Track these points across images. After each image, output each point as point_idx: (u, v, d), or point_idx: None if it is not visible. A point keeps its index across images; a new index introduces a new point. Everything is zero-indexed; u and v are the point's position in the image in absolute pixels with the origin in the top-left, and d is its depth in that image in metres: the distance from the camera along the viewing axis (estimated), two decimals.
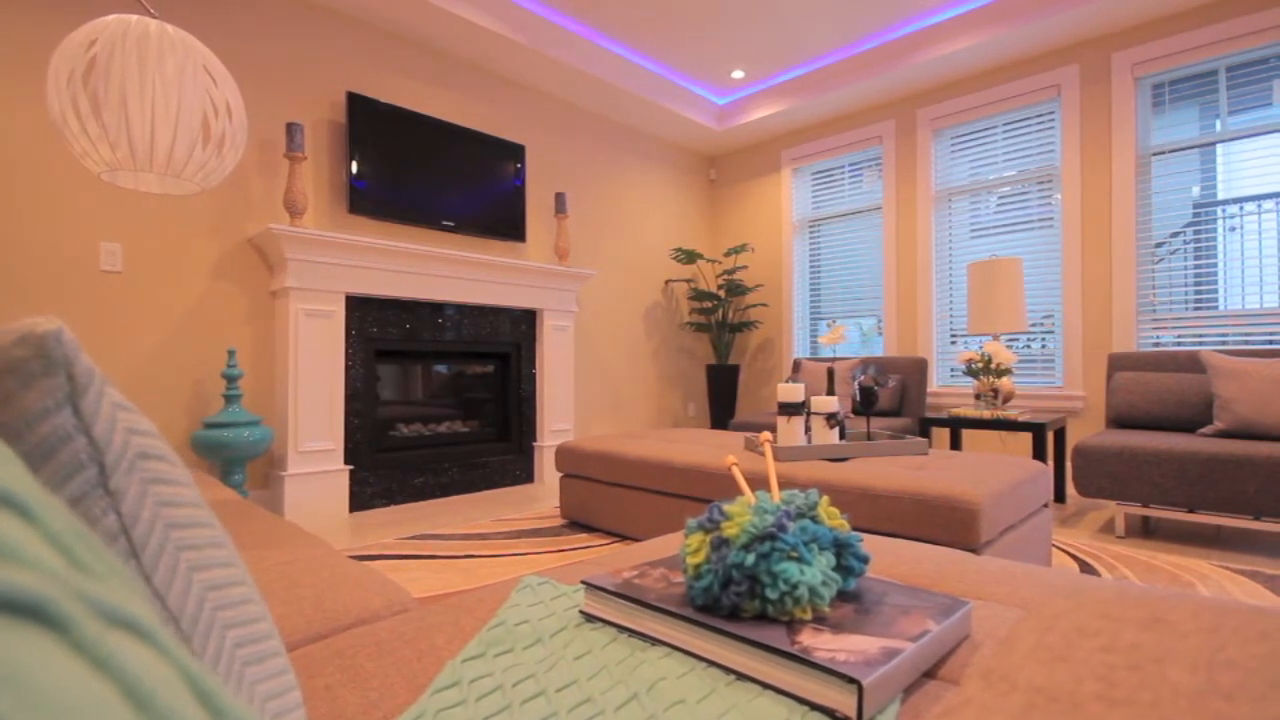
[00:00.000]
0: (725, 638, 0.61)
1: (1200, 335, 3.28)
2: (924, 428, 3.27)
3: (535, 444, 3.90)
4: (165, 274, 2.71)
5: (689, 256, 4.82)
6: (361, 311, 3.16)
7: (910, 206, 4.30)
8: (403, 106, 3.36)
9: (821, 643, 0.58)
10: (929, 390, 4.20)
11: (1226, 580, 2.00)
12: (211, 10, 2.83)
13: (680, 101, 4.56)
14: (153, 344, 2.67)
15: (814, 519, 0.72)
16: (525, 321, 3.87)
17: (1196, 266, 3.30)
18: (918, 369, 3.91)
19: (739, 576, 0.64)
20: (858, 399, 2.25)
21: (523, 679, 0.60)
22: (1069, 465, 3.63)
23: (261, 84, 2.97)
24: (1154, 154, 3.43)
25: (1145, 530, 2.64)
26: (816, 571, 0.65)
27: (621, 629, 0.70)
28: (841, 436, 2.13)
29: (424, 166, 3.41)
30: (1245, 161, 3.18)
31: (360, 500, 3.14)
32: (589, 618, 0.74)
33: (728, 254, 4.87)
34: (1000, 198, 3.96)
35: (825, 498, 0.76)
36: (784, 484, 1.96)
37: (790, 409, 2.11)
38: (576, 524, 2.82)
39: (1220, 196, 3.25)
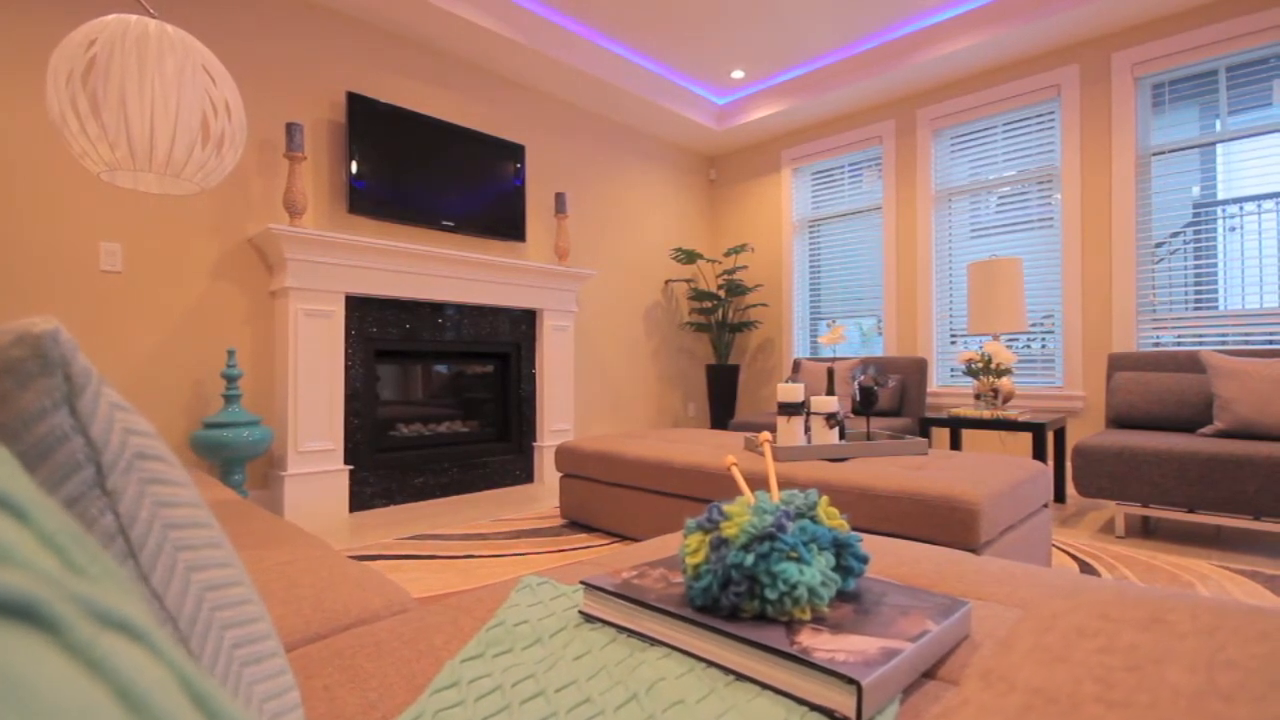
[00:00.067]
0: (724, 638, 0.61)
1: (1200, 335, 3.28)
2: (924, 428, 3.27)
3: (535, 444, 3.90)
4: (165, 274, 2.71)
5: (689, 256, 4.82)
6: (361, 311, 3.16)
7: (910, 206, 4.30)
8: (403, 106, 3.36)
9: (821, 643, 0.58)
10: (929, 390, 4.20)
11: (1226, 580, 2.00)
12: (211, 10, 2.83)
13: (680, 101, 4.56)
14: (152, 344, 2.67)
15: (813, 519, 0.72)
16: (525, 321, 3.87)
17: (1196, 266, 3.30)
18: (918, 369, 3.91)
19: (738, 577, 0.64)
20: (857, 399, 2.25)
21: (522, 679, 0.60)
22: (1069, 465, 3.63)
23: (261, 84, 2.97)
24: (1154, 154, 3.43)
25: (1145, 530, 2.64)
26: (816, 572, 0.65)
27: (621, 629, 0.70)
28: (841, 436, 2.13)
29: (424, 166, 3.41)
30: (1245, 161, 3.18)
31: (360, 500, 3.14)
32: (588, 618, 0.74)
33: (728, 254, 4.87)
34: (1000, 198, 3.96)
35: (825, 498, 0.76)
36: (784, 484, 1.96)
37: (790, 409, 2.11)
38: (576, 524, 2.82)
39: (1220, 196, 3.25)
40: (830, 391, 2.26)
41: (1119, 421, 3.01)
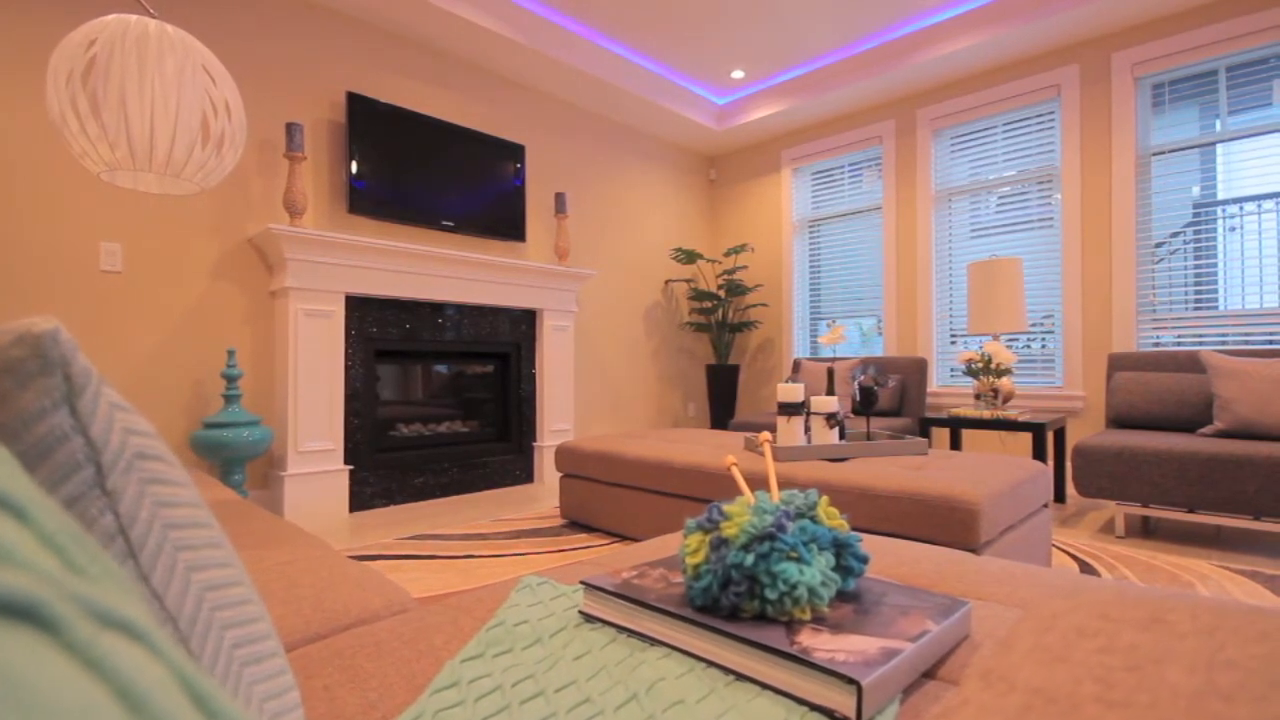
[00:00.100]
0: (724, 638, 0.61)
1: (1200, 335, 3.28)
2: (924, 428, 3.27)
3: (535, 444, 3.90)
4: (165, 274, 2.71)
5: (689, 256, 4.82)
6: (361, 311, 3.16)
7: (910, 206, 4.30)
8: (403, 106, 3.36)
9: (821, 643, 0.58)
10: (929, 390, 4.20)
11: (1226, 580, 2.00)
12: (211, 10, 2.83)
13: (680, 101, 4.56)
14: (152, 344, 2.67)
15: (813, 519, 0.72)
16: (525, 321, 3.87)
17: (1196, 266, 3.30)
18: (918, 369, 3.91)
19: (738, 577, 0.64)
20: (857, 399, 2.25)
21: (522, 679, 0.60)
22: (1069, 465, 3.63)
23: (261, 84, 2.97)
24: (1154, 154, 3.43)
25: (1145, 530, 2.64)
26: (816, 572, 0.65)
27: (621, 629, 0.70)
28: (841, 436, 2.13)
29: (424, 166, 3.41)
30: (1245, 161, 3.18)
31: (360, 500, 3.14)
32: (588, 618, 0.74)
33: (728, 254, 4.87)
34: (1000, 198, 3.96)
35: (825, 498, 0.76)
36: (784, 484, 1.96)
37: (790, 409, 2.11)
38: (576, 524, 2.82)
39: (1220, 196, 3.25)
40: (830, 391, 2.26)
41: (1119, 421, 3.01)
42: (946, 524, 1.62)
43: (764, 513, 0.68)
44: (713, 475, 2.17)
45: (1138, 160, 3.46)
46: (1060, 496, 3.15)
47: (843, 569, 0.71)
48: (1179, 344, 3.34)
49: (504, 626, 0.71)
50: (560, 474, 3.08)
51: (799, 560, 0.65)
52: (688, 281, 5.08)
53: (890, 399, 3.85)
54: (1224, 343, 3.21)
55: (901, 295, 4.34)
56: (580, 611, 0.75)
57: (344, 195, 3.22)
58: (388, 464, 3.26)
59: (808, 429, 2.22)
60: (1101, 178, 3.55)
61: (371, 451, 3.19)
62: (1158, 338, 3.41)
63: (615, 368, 4.63)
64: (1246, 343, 3.15)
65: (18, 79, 2.39)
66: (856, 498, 1.80)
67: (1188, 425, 2.82)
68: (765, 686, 0.57)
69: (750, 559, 0.64)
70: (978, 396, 3.17)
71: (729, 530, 0.67)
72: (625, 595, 0.70)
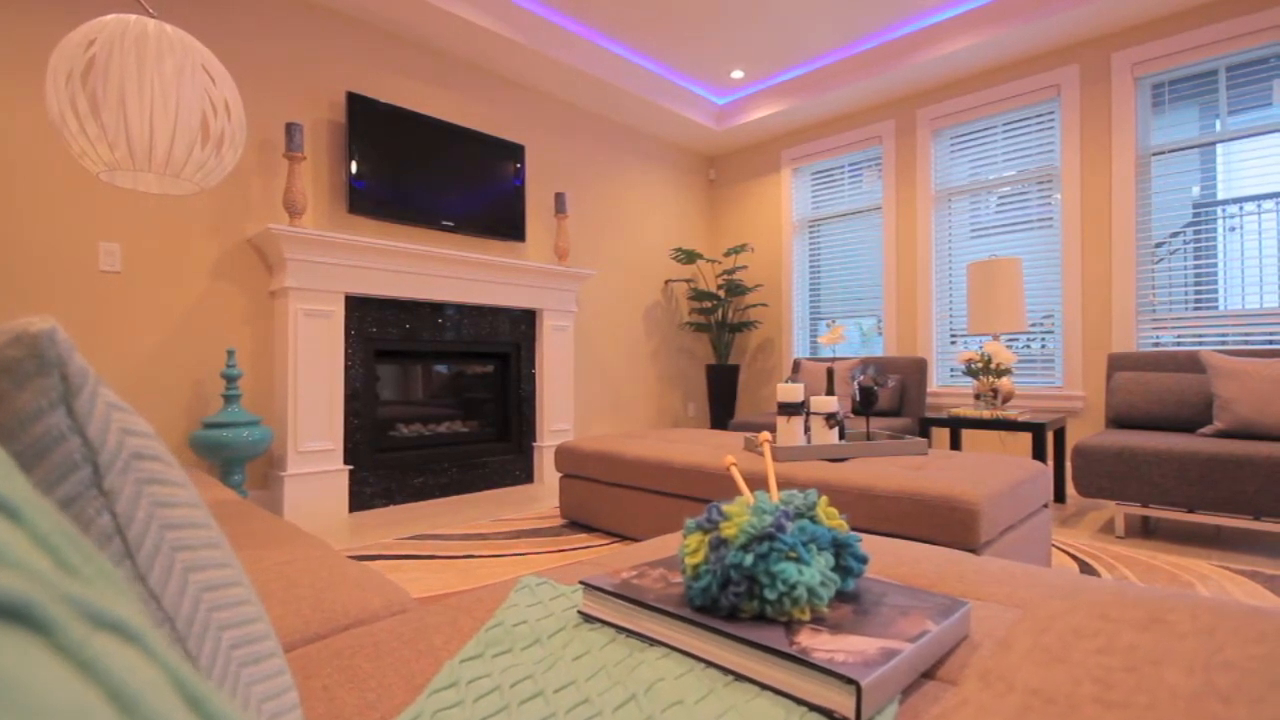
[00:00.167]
0: (723, 638, 0.61)
1: (1200, 335, 3.27)
2: (924, 428, 3.27)
3: (535, 444, 3.90)
4: (164, 274, 2.71)
5: (689, 256, 4.82)
6: (361, 311, 3.16)
7: (910, 206, 4.30)
8: (402, 106, 3.36)
9: (820, 643, 0.58)
10: (929, 390, 4.20)
11: (1226, 580, 2.00)
12: (211, 10, 2.83)
13: (680, 101, 4.55)
14: (152, 344, 2.67)
15: (813, 519, 0.72)
16: (525, 321, 3.87)
17: (1196, 266, 3.30)
18: (917, 369, 3.91)
19: (737, 577, 0.64)
20: (857, 399, 2.25)
21: (521, 679, 0.60)
22: (1069, 465, 3.63)
23: (261, 84, 2.97)
24: (1154, 154, 3.43)
25: (1145, 530, 2.64)
26: (815, 572, 0.65)
27: (620, 629, 0.70)
28: (841, 436, 2.13)
29: (424, 166, 3.41)
30: (1245, 161, 3.17)
31: (360, 500, 3.14)
32: (587, 618, 0.74)
33: (727, 254, 4.87)
34: (1000, 198, 3.96)
35: (824, 498, 0.76)
36: (783, 484, 1.96)
37: (790, 409, 2.11)
38: (576, 524, 2.82)
39: (1220, 196, 3.24)
40: (830, 391, 2.26)
41: (1119, 421, 3.01)
42: (946, 524, 1.62)
43: (763, 513, 0.68)
44: (712, 475, 2.17)
45: (1138, 160, 3.46)
46: (1060, 496, 3.15)
47: (842, 569, 0.71)
48: (1179, 344, 3.34)
49: (503, 627, 0.71)
50: (560, 474, 3.08)
51: (798, 560, 0.65)
52: (688, 281, 5.08)
53: (890, 399, 3.85)
54: (1224, 343, 3.21)
55: (901, 295, 4.34)
56: (579, 612, 0.75)
57: (344, 195, 3.22)
58: (387, 464, 3.26)
59: (807, 429, 2.21)
60: (1101, 178, 3.55)
61: (371, 451, 3.19)
62: (1158, 338, 3.41)
63: (615, 368, 4.63)
64: (1246, 343, 3.15)
65: (17, 79, 2.39)
66: (856, 498, 1.79)
67: (1188, 425, 2.82)
68: (764, 687, 0.57)
69: (749, 559, 0.64)
70: (977, 396, 3.17)
71: (728, 530, 0.67)
72: (624, 595, 0.70)
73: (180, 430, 2.72)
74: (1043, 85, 3.74)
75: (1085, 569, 2.13)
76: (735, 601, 0.63)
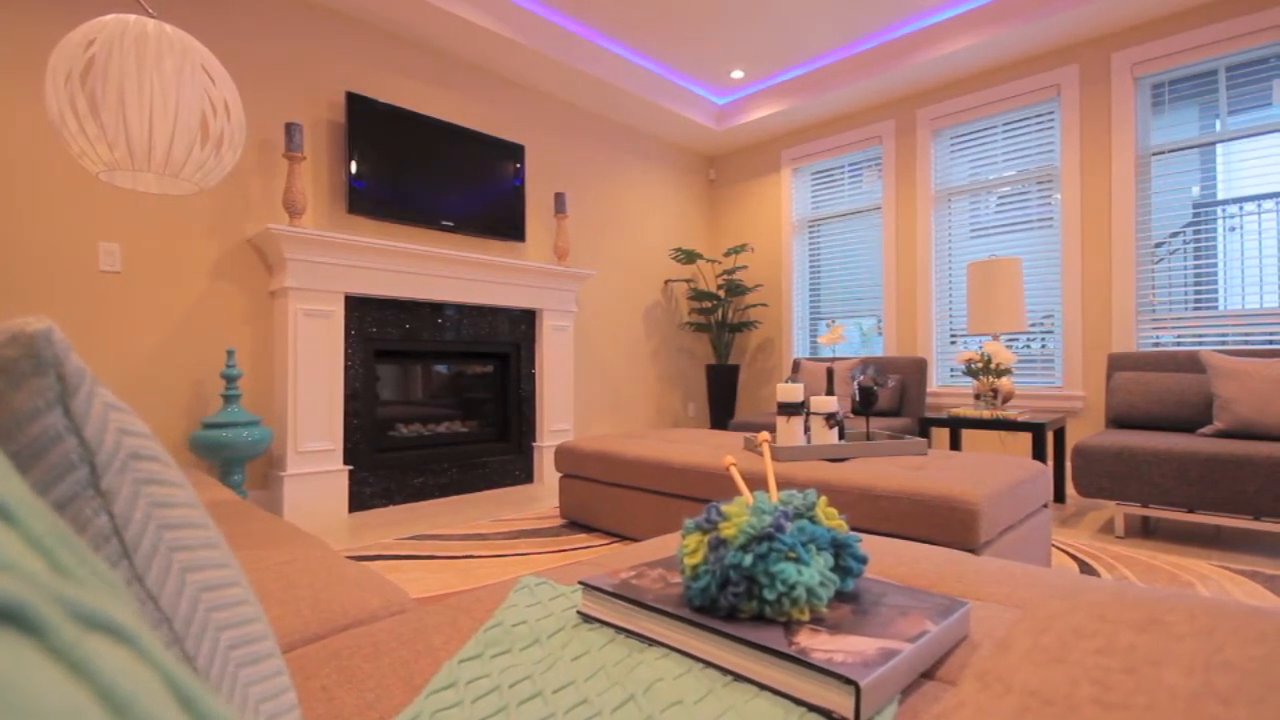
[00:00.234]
0: (722, 638, 0.61)
1: (1200, 335, 3.27)
2: (923, 428, 3.27)
3: (535, 444, 3.90)
4: (164, 274, 2.71)
5: (689, 256, 4.82)
6: (361, 311, 3.16)
7: (910, 206, 4.30)
8: (402, 106, 3.36)
9: (819, 644, 0.58)
10: (929, 390, 4.20)
11: (1226, 580, 2.00)
12: (210, 10, 2.83)
13: (680, 101, 4.55)
14: (152, 344, 2.67)
15: (812, 519, 0.72)
16: (525, 321, 3.87)
17: (1196, 266, 3.30)
18: (917, 369, 3.91)
19: (736, 577, 0.64)
20: (857, 399, 2.25)
21: (520, 680, 0.59)
22: (1069, 465, 3.63)
23: (260, 84, 2.97)
24: (1154, 154, 3.43)
25: (1145, 530, 2.64)
26: (814, 572, 0.65)
27: (619, 630, 0.70)
28: (841, 436, 2.13)
29: (423, 166, 3.41)
30: (1245, 161, 3.17)
31: (359, 500, 3.14)
32: (586, 618, 0.74)
33: (727, 254, 4.87)
34: (1000, 198, 3.96)
35: (823, 498, 0.76)
36: (783, 484, 1.96)
37: (790, 409, 2.11)
38: (576, 524, 2.82)
39: (1220, 196, 3.24)
40: (830, 391, 2.26)
41: (1119, 421, 3.01)
42: (946, 524, 1.61)
43: (762, 513, 0.68)
44: (712, 475, 2.17)
45: (1137, 160, 3.46)
46: (1060, 496, 3.15)
47: (841, 569, 0.71)
48: (1179, 344, 3.34)
49: (502, 627, 0.71)
50: (560, 474, 3.08)
51: (797, 561, 0.65)
52: (688, 281, 5.08)
53: (890, 399, 3.85)
54: (1224, 343, 3.21)
55: (901, 295, 4.34)
56: (579, 612, 0.75)
57: (343, 195, 3.22)
58: (387, 464, 3.26)
59: (807, 429, 2.21)
60: (1101, 178, 3.55)
61: (371, 452, 3.19)
62: (1158, 338, 3.41)
63: (615, 368, 4.63)
64: (1246, 343, 3.15)
65: (17, 79, 2.39)
66: (856, 498, 1.79)
67: (1188, 425, 2.82)
68: (763, 687, 0.57)
69: (748, 559, 0.63)
70: (977, 396, 3.17)
71: (727, 531, 0.67)
72: (623, 596, 0.70)
73: (180, 430, 2.72)
74: (1042, 85, 3.74)
75: (1085, 569, 2.13)
76: (734, 602, 0.63)
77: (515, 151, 3.83)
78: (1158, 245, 3.42)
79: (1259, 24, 3.08)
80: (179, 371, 2.73)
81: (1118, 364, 3.15)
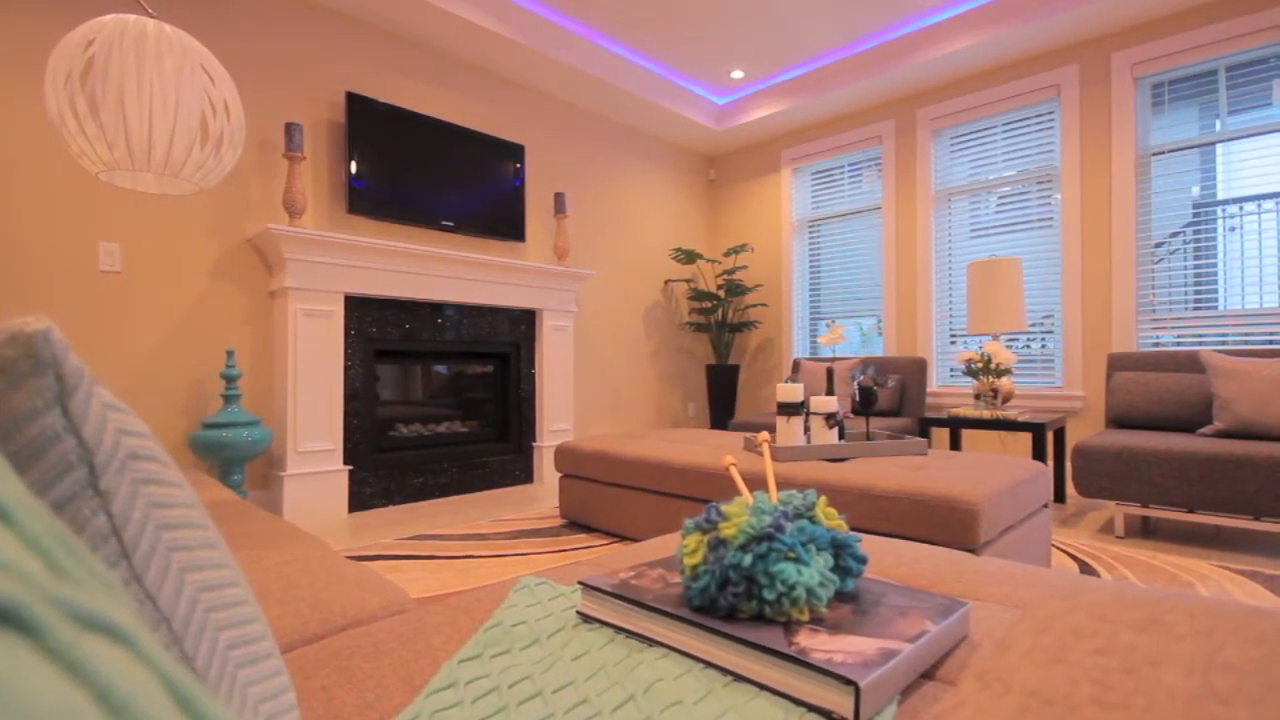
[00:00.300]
0: (722, 639, 0.61)
1: (1200, 335, 3.27)
2: (923, 428, 3.27)
3: (535, 444, 3.90)
4: (164, 274, 2.71)
5: (689, 256, 4.82)
6: (361, 311, 3.16)
7: (910, 206, 4.30)
8: (402, 106, 3.36)
9: (819, 644, 0.58)
10: (929, 390, 4.20)
11: (1226, 580, 2.00)
12: (210, 10, 2.83)
13: (680, 101, 4.55)
14: (152, 344, 2.67)
15: (812, 519, 0.72)
16: (525, 321, 3.87)
17: (1196, 266, 3.30)
18: (917, 369, 3.91)
19: (736, 577, 0.64)
20: (857, 399, 2.25)
21: (519, 680, 0.59)
22: (1069, 465, 3.63)
23: (260, 84, 2.97)
24: (1154, 154, 3.43)
25: (1145, 530, 2.64)
26: (814, 572, 0.65)
27: (619, 630, 0.70)
28: (841, 436, 2.13)
29: (423, 166, 3.41)
30: (1245, 161, 3.17)
31: (359, 500, 3.14)
32: (586, 618, 0.73)
33: (727, 254, 4.87)
34: (1000, 198, 3.96)
35: (823, 498, 0.76)
36: (783, 484, 1.95)
37: (789, 409, 2.11)
38: (575, 524, 2.82)
39: (1220, 196, 3.24)
40: (830, 391, 2.26)
41: (1119, 421, 3.01)
42: (946, 524, 1.61)
43: (762, 513, 0.68)
44: (712, 475, 2.17)
45: (1137, 160, 3.46)
46: (1060, 496, 3.15)
47: (841, 569, 0.71)
48: (1179, 344, 3.34)
49: (502, 627, 0.71)
50: (560, 474, 3.08)
51: (797, 561, 0.65)
52: (688, 281, 5.08)
53: (890, 399, 3.85)
54: (1224, 343, 3.21)
55: (901, 295, 4.34)
56: (578, 612, 0.75)
57: (343, 195, 3.22)
58: (387, 464, 3.26)
59: (807, 429, 2.21)
60: (1101, 178, 3.55)
61: (371, 452, 3.19)
62: (1158, 338, 3.41)
63: (615, 368, 4.63)
64: (1246, 343, 3.15)
65: (17, 79, 2.39)
66: (856, 498, 1.79)
67: (1188, 425, 2.82)
68: (763, 687, 0.57)
69: (748, 559, 0.63)
70: (977, 396, 3.17)
71: (727, 531, 0.67)
72: (623, 596, 0.70)
73: (180, 430, 2.72)
74: (1042, 85, 3.74)
75: (1085, 569, 2.13)
76: (734, 602, 0.63)
77: (515, 151, 3.83)
78: (1158, 245, 3.42)
79: (1259, 24, 3.08)
80: (179, 371, 2.73)
81: (1118, 364, 3.15)
